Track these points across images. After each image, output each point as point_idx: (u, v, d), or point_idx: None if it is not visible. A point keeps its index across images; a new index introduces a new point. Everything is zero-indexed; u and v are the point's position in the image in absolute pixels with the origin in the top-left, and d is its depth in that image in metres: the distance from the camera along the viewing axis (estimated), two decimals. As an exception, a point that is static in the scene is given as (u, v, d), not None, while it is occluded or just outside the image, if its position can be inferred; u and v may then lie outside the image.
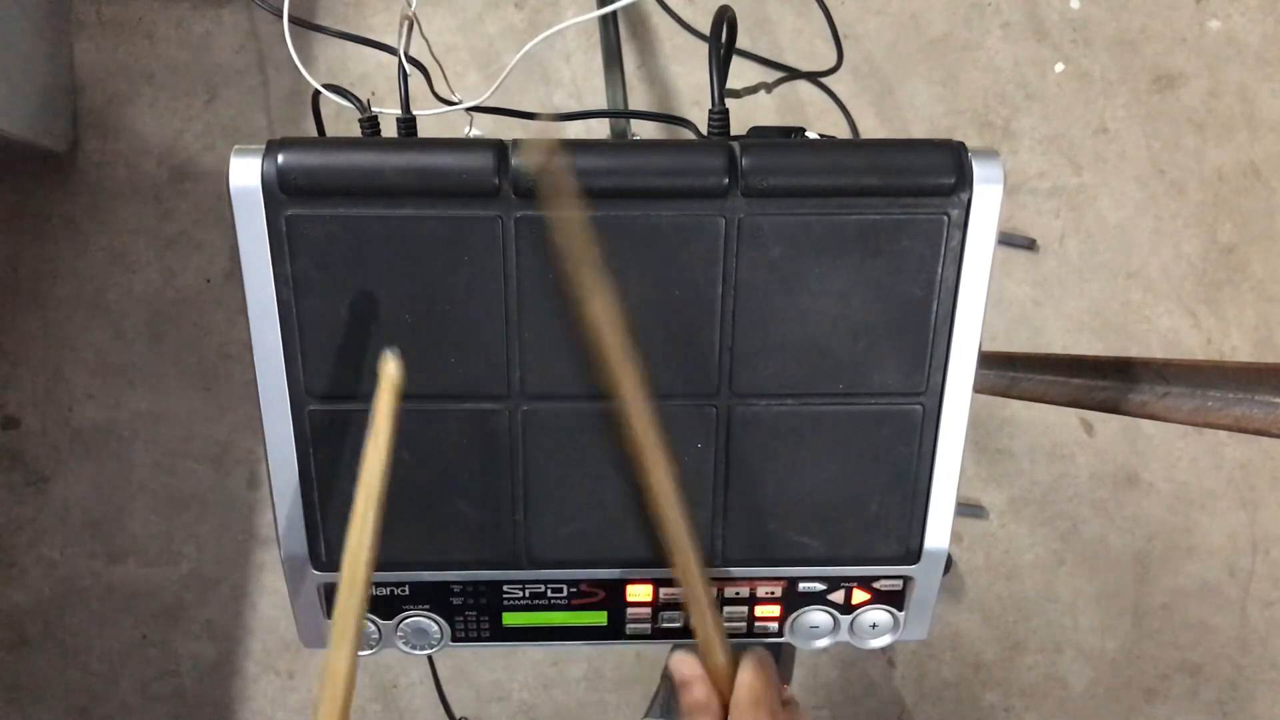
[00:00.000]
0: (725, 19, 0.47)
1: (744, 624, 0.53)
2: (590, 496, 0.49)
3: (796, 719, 0.46)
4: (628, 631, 0.53)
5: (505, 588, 0.51)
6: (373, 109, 0.49)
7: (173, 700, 1.12)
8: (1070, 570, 1.13)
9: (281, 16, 0.49)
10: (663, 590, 0.52)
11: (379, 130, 0.49)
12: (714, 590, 0.45)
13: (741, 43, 1.03)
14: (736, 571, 0.51)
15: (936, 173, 0.43)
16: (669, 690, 1.07)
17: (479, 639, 0.52)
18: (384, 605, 0.51)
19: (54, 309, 1.05)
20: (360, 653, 0.52)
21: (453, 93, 0.54)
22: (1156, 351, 1.08)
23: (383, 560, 0.50)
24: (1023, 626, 1.14)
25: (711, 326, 0.46)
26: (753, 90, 0.97)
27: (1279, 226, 1.07)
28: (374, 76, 1.04)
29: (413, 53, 0.48)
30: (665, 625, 0.53)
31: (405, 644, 0.52)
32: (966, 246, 0.45)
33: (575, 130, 0.99)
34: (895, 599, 0.52)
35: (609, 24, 0.97)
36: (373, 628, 0.52)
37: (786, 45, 1.04)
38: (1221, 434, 1.01)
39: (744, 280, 0.45)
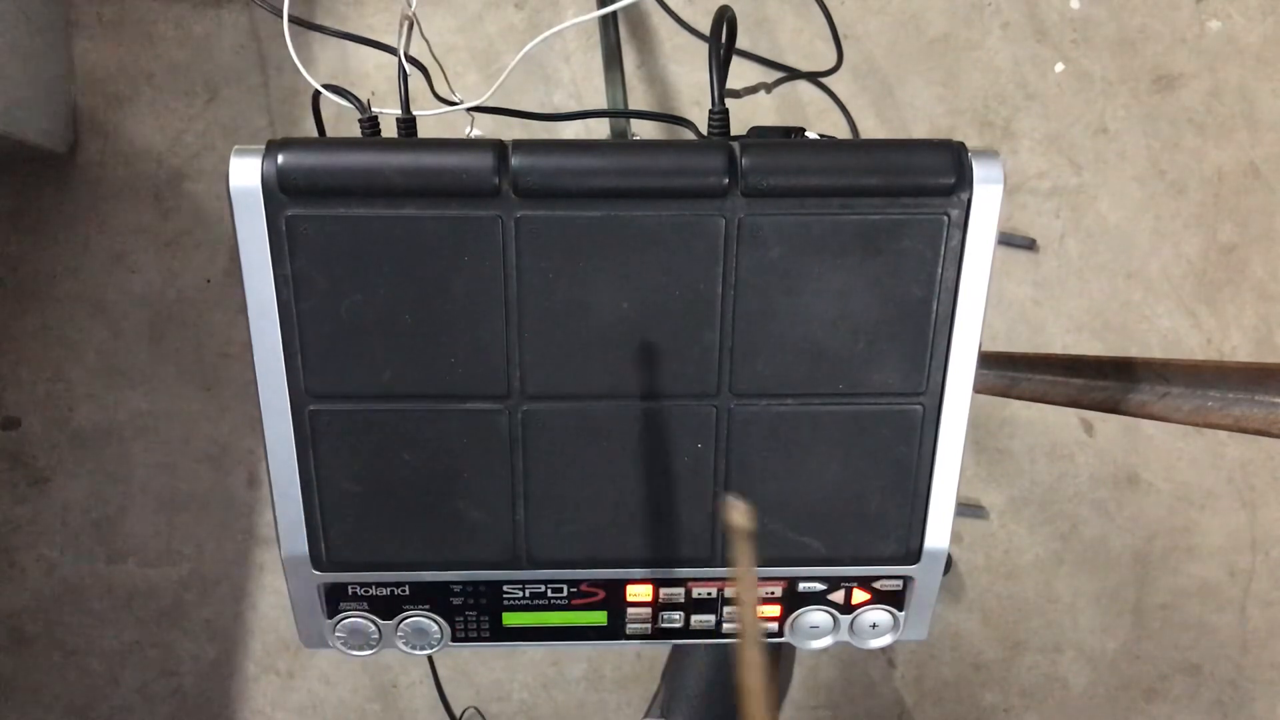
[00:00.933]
0: (725, 19, 0.47)
1: (744, 624, 0.53)
2: (590, 496, 0.49)
3: None
4: (628, 631, 0.53)
5: (505, 588, 0.51)
6: (373, 109, 0.49)
7: (173, 700, 1.12)
8: (1070, 570, 1.13)
9: (281, 16, 0.49)
10: (663, 590, 0.52)
11: (379, 130, 0.49)
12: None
13: (741, 43, 1.03)
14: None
15: (936, 173, 0.43)
16: (669, 690, 1.07)
17: (479, 639, 0.52)
18: (384, 605, 0.51)
19: (54, 309, 1.05)
20: (360, 653, 0.52)
21: (453, 93, 0.54)
22: (1156, 351, 1.08)
23: (383, 560, 0.50)
24: (1023, 626, 1.14)
25: (711, 326, 0.46)
26: (753, 90, 0.97)
27: (1279, 226, 1.07)
28: (374, 76, 1.04)
29: (413, 53, 0.48)
30: (665, 625, 0.53)
31: (405, 644, 0.52)
32: (966, 246, 0.45)
33: (575, 130, 0.99)
34: (895, 599, 0.52)
35: (609, 24, 0.97)
36: (373, 628, 0.52)
37: (786, 45, 1.04)
38: (1221, 434, 1.01)
39: (744, 280, 0.45)
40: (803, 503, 0.49)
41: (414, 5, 0.48)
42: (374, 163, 0.43)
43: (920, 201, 0.44)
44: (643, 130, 0.99)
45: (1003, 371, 0.60)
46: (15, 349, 1.05)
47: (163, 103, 1.03)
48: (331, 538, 0.49)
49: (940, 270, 0.45)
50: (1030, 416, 1.10)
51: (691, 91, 1.06)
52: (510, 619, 0.52)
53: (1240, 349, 1.09)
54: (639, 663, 1.14)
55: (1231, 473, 1.11)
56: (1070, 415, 1.10)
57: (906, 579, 0.52)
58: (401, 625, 0.52)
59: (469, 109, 0.51)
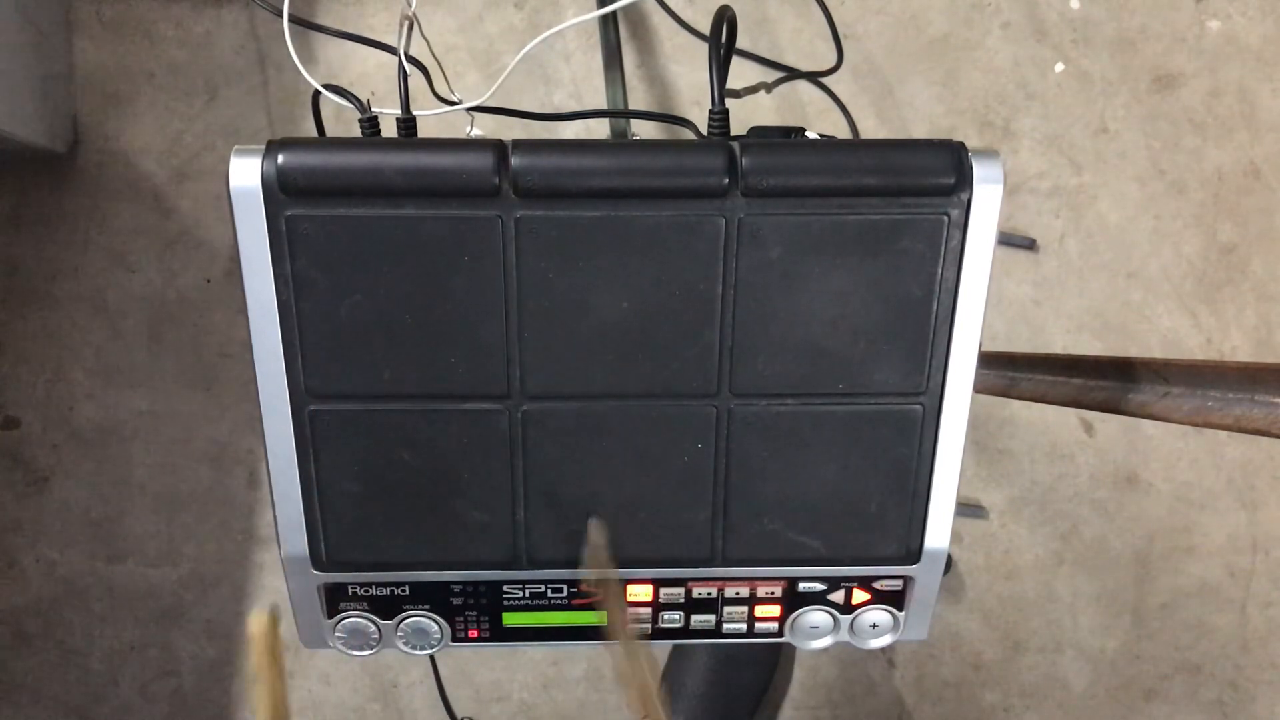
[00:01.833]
0: (725, 19, 0.47)
1: (744, 624, 0.53)
2: (590, 497, 0.49)
3: None
4: (628, 631, 0.53)
5: (505, 588, 0.51)
6: (373, 109, 0.49)
7: (173, 700, 1.12)
8: (1070, 570, 1.13)
9: (281, 16, 0.49)
10: (663, 590, 0.52)
11: (379, 130, 0.49)
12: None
13: (741, 43, 1.03)
14: (736, 571, 0.51)
15: (936, 173, 0.43)
16: (669, 690, 1.07)
17: (479, 639, 0.53)
18: (384, 605, 0.51)
19: (54, 309, 1.05)
20: (360, 653, 0.52)
21: (453, 93, 0.54)
22: (1156, 351, 1.08)
23: (383, 560, 0.50)
24: (1023, 626, 1.14)
25: (711, 326, 0.46)
26: (753, 90, 0.97)
27: (1279, 226, 1.07)
28: (374, 76, 1.04)
29: (413, 53, 0.48)
30: (665, 625, 0.53)
31: (405, 644, 0.52)
32: (966, 246, 0.45)
33: (575, 130, 0.99)
34: (895, 599, 0.52)
35: (609, 24, 0.97)
36: (373, 628, 0.52)
37: (786, 45, 1.04)
38: (1221, 434, 1.01)
39: (744, 280, 0.45)
40: (803, 503, 0.49)
41: (414, 5, 0.48)
42: (374, 163, 0.43)
43: (920, 201, 0.44)
44: (643, 130, 0.99)
45: (1003, 371, 0.61)
46: (15, 349, 1.05)
47: (163, 103, 1.03)
48: (331, 538, 0.49)
49: (940, 270, 0.45)
50: (1030, 416, 1.10)
51: (691, 91, 1.06)
52: (510, 619, 0.52)
53: (1240, 349, 1.09)
54: (639, 663, 1.14)
55: (1231, 473, 1.11)
56: (1070, 415, 1.10)
57: (906, 579, 0.52)
58: (401, 625, 0.52)
59: (469, 109, 0.51)
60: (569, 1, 1.04)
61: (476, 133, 0.56)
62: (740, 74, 1.02)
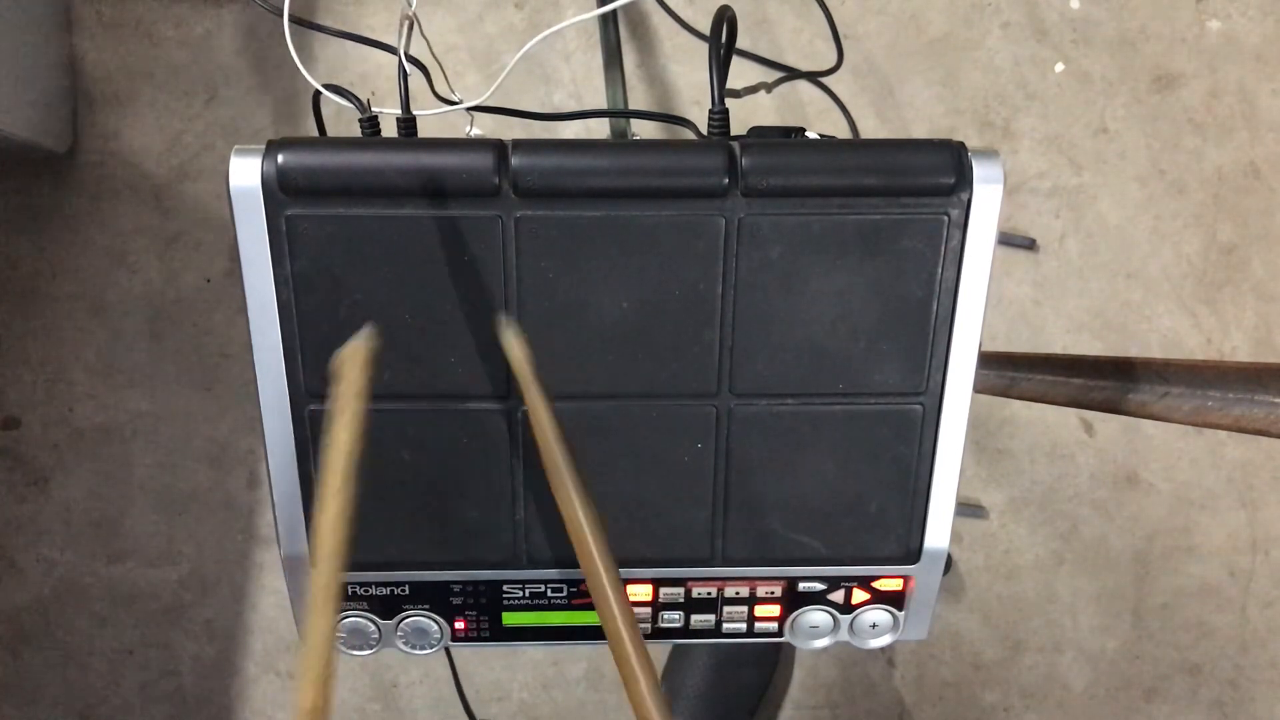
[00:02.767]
0: (725, 19, 0.47)
1: (744, 624, 0.53)
2: (590, 496, 0.49)
3: None
4: (628, 631, 0.52)
5: (505, 587, 0.51)
6: (373, 109, 0.49)
7: (173, 700, 1.12)
8: (1070, 570, 1.13)
9: (282, 16, 0.49)
10: (662, 590, 0.52)
11: (379, 130, 0.49)
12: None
13: (741, 43, 1.03)
14: (736, 571, 0.51)
15: (936, 173, 0.43)
16: (669, 690, 1.07)
17: (479, 639, 0.53)
18: (384, 605, 0.51)
19: (54, 309, 1.05)
20: (361, 653, 0.52)
21: (453, 92, 0.54)
22: (1156, 351, 1.08)
23: (383, 560, 0.50)
24: (1023, 626, 1.14)
25: (711, 326, 0.46)
26: (753, 90, 0.97)
27: (1279, 226, 1.07)
28: (374, 76, 1.04)
29: (413, 52, 0.48)
30: (665, 625, 0.53)
31: (405, 644, 0.52)
32: (966, 246, 0.45)
33: (575, 130, 0.99)
34: (895, 599, 0.52)
35: (609, 24, 0.97)
36: (373, 628, 0.52)
37: (786, 45, 1.04)
38: (1221, 434, 1.01)
39: (744, 280, 0.45)
40: (802, 502, 0.49)
41: (414, 5, 0.48)
42: (374, 163, 0.43)
43: (920, 201, 0.44)
44: (643, 130, 0.99)
45: (1003, 371, 0.60)
46: (15, 349, 1.05)
47: (163, 103, 1.03)
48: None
49: (940, 270, 0.45)
50: (1030, 416, 1.10)
51: (691, 91, 1.06)
52: (510, 619, 0.52)
53: (1240, 349, 1.09)
54: (639, 663, 1.14)
55: (1231, 473, 1.11)
56: (1070, 415, 1.10)
57: (906, 579, 0.52)
58: (401, 625, 0.52)
59: (469, 109, 0.51)
60: (569, 1, 1.04)
61: (476, 133, 0.56)
62: (740, 74, 1.02)
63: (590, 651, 1.13)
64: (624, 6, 0.99)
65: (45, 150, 0.99)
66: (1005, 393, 0.61)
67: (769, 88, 0.97)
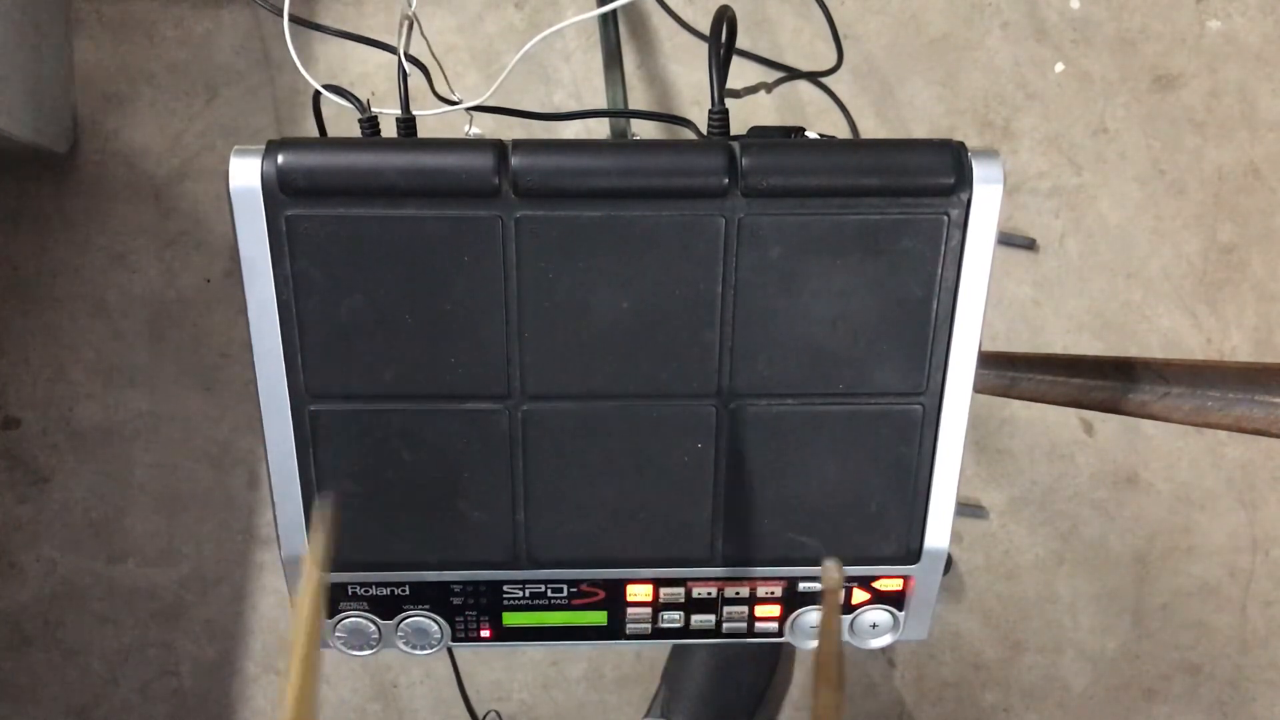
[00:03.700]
0: (725, 19, 0.47)
1: (744, 624, 0.53)
2: (590, 496, 0.49)
3: None
4: (628, 631, 0.53)
5: (505, 588, 0.51)
6: (373, 109, 0.49)
7: (173, 700, 1.12)
8: (1070, 570, 1.13)
9: (282, 16, 0.49)
10: (663, 590, 0.52)
11: (379, 130, 0.49)
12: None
13: (741, 43, 1.03)
14: (736, 571, 0.51)
15: (936, 173, 0.43)
16: (669, 690, 1.07)
17: (479, 639, 0.53)
18: (384, 605, 0.51)
19: (54, 309, 1.05)
20: (361, 653, 0.52)
21: (453, 92, 0.54)
22: (1156, 351, 1.08)
23: (383, 560, 0.50)
24: (1023, 626, 1.14)
25: (711, 326, 0.46)
26: (753, 90, 0.97)
27: (1279, 226, 1.07)
28: (374, 76, 1.04)
29: (413, 52, 0.48)
30: (665, 625, 0.53)
31: (405, 644, 0.52)
32: (966, 246, 0.45)
33: (575, 130, 0.99)
34: (895, 599, 0.52)
35: (609, 24, 0.97)
36: (373, 628, 0.52)
37: (786, 45, 1.04)
38: (1221, 434, 1.01)
39: (744, 280, 0.45)
40: (803, 503, 0.49)
41: (414, 5, 0.48)
42: (374, 163, 0.43)
43: (920, 201, 0.44)
44: (643, 130, 0.99)
45: (1003, 371, 0.60)
46: (15, 349, 1.05)
47: (163, 103, 1.03)
48: (331, 538, 0.49)
49: (940, 270, 0.45)
50: (1030, 416, 1.10)
51: (691, 91, 1.06)
52: (510, 619, 0.52)
53: (1240, 349, 1.09)
54: (639, 663, 1.14)
55: (1231, 473, 1.11)
56: (1070, 415, 1.10)
57: (906, 579, 0.52)
58: (401, 625, 0.52)
59: (469, 109, 0.51)
60: (569, 1, 1.04)
61: (476, 133, 0.56)
62: (740, 74, 1.02)
63: (590, 651, 1.13)
64: (624, 6, 0.99)
65: (45, 150, 0.98)
66: (1005, 393, 0.61)
67: (769, 88, 0.97)
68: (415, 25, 0.49)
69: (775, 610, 0.52)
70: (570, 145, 0.44)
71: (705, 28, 0.71)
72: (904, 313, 0.46)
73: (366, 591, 0.51)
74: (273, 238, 0.43)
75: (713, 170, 0.43)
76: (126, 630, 1.11)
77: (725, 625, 0.53)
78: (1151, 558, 1.13)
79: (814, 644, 0.54)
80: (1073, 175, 1.06)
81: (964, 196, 0.44)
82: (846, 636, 0.53)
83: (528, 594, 0.51)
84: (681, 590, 0.52)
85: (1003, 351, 0.62)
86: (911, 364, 0.47)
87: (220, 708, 1.13)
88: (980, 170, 0.44)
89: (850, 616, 0.53)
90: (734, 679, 1.08)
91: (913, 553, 0.51)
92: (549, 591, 0.51)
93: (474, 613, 0.52)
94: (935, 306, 0.46)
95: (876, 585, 0.52)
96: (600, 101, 1.01)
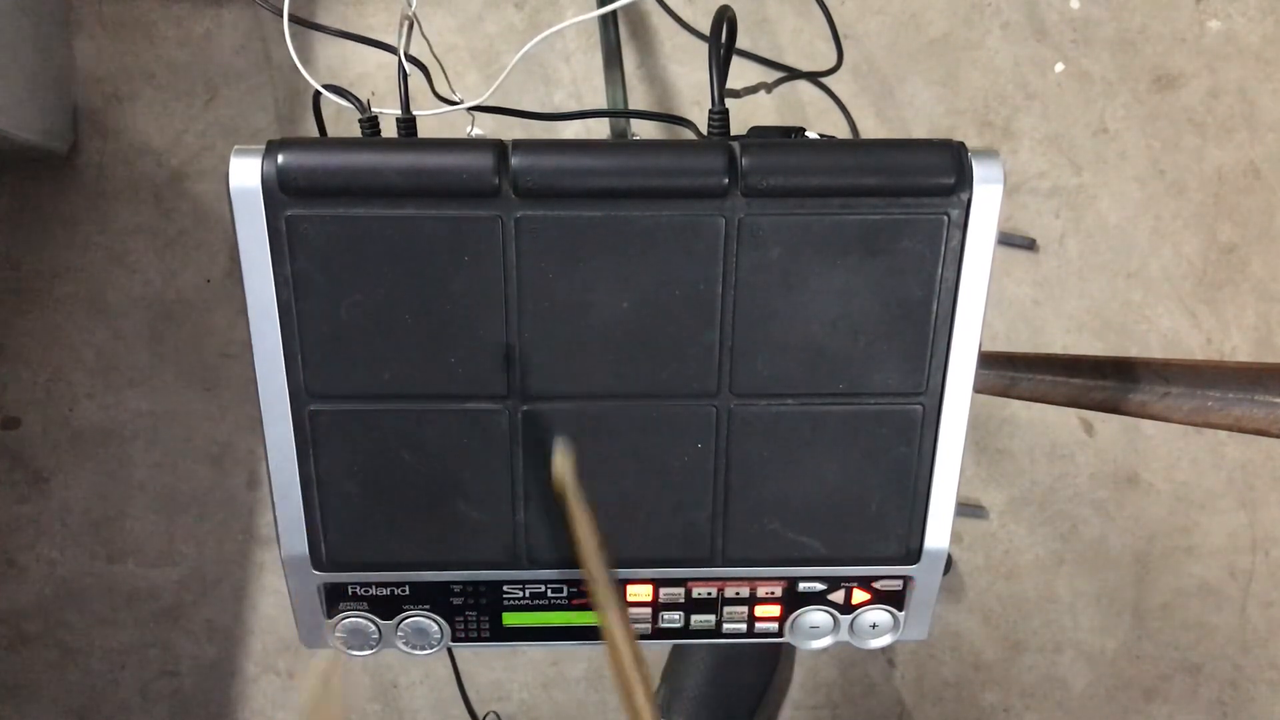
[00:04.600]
0: (725, 19, 0.47)
1: (744, 624, 0.53)
2: (590, 496, 0.49)
3: None
4: (628, 631, 0.52)
5: (505, 588, 0.51)
6: (373, 109, 0.49)
7: (173, 700, 1.12)
8: (1070, 570, 1.13)
9: (282, 16, 0.49)
10: (663, 590, 0.52)
11: (379, 130, 0.49)
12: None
13: (741, 43, 1.03)
14: (736, 571, 0.51)
15: (936, 173, 0.43)
16: (669, 690, 1.07)
17: (479, 639, 0.53)
18: (384, 605, 0.51)
19: (54, 309, 1.05)
20: (361, 653, 0.52)
21: (453, 92, 0.54)
22: (1156, 351, 1.08)
23: (383, 560, 0.50)
24: (1023, 626, 1.14)
25: (711, 326, 0.46)
26: (753, 90, 0.97)
27: (1279, 226, 1.07)
28: (374, 76, 1.04)
29: (413, 52, 0.48)
30: (665, 625, 0.53)
31: (405, 644, 0.52)
32: (966, 246, 0.45)
33: (575, 130, 0.99)
34: (895, 599, 0.52)
35: (609, 24, 0.97)
36: (373, 628, 0.52)
37: (786, 45, 1.04)
38: (1221, 434, 1.01)
39: (744, 280, 0.45)
40: (803, 502, 0.49)
41: (414, 5, 0.48)
42: (374, 163, 0.43)
43: (920, 201, 0.44)
44: (643, 130, 0.99)
45: (1003, 371, 0.60)
46: (15, 349, 1.05)
47: (163, 103, 1.03)
48: (331, 538, 0.49)
49: (940, 270, 0.45)
50: (1030, 416, 1.10)
51: (691, 91, 1.06)
52: (510, 619, 0.52)
53: (1240, 349, 1.09)
54: (639, 663, 1.14)
55: (1231, 473, 1.11)
56: (1070, 415, 1.10)
57: (906, 579, 0.52)
58: (401, 625, 0.52)
59: (469, 109, 0.51)
60: (569, 1, 1.04)
61: (476, 133, 0.56)
62: (740, 74, 1.02)
63: (590, 651, 1.13)
64: (624, 6, 0.99)
65: (45, 150, 0.99)
66: (1005, 393, 0.61)
67: (769, 88, 0.97)
68: (415, 25, 0.49)
69: (775, 610, 0.52)
70: (570, 145, 0.44)
71: (705, 28, 0.71)
72: (904, 313, 0.46)
73: (366, 592, 0.51)
74: (273, 238, 0.43)
75: (713, 170, 0.43)
76: (126, 630, 1.11)
77: (725, 625, 0.53)
78: (1151, 558, 1.13)
79: (814, 644, 0.54)
80: (1073, 175, 1.06)
81: (964, 196, 0.44)
82: (846, 636, 0.53)
83: (528, 594, 0.51)
84: (681, 590, 0.52)
85: (1003, 351, 0.62)
86: (911, 364, 0.47)
87: (220, 708, 1.13)
88: (980, 170, 0.44)
89: (850, 616, 0.53)
90: (734, 679, 1.07)
91: (913, 553, 0.51)
92: (549, 591, 0.51)
93: (474, 613, 0.52)
94: (935, 307, 0.46)
95: (876, 585, 0.52)
96: (600, 101, 1.01)
